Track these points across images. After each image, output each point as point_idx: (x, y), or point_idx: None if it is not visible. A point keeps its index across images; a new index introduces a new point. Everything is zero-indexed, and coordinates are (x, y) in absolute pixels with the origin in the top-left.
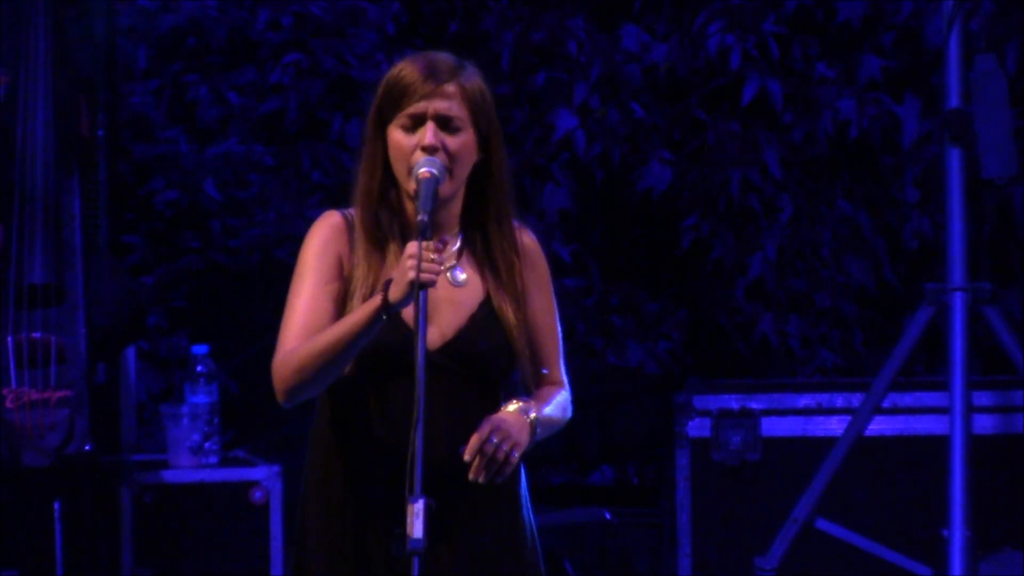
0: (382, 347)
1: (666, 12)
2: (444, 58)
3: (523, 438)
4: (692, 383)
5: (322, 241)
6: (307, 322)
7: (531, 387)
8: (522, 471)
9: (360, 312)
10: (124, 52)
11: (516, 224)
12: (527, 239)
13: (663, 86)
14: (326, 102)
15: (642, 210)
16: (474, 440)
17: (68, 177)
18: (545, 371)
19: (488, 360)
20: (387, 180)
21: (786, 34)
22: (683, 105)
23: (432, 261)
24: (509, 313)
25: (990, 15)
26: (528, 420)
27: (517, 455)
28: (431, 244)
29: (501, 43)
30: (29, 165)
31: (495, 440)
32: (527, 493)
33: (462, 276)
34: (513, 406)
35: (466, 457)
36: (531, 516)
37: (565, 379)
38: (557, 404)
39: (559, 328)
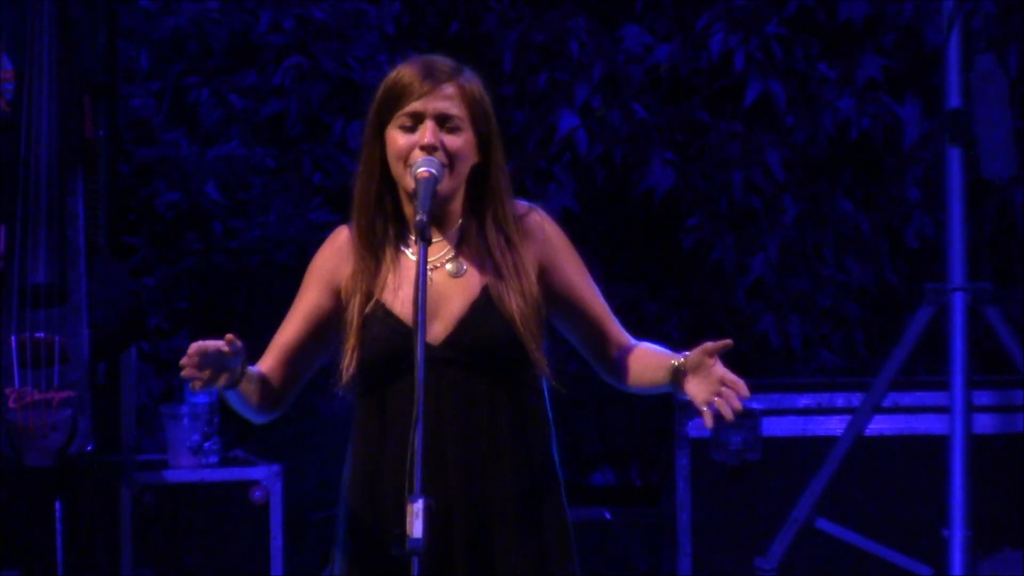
0: (385, 350)
1: (668, 13)
2: (442, 60)
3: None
4: None
5: (320, 260)
6: (275, 342)
7: (598, 358)
8: (554, 461)
9: None
10: (125, 54)
11: (525, 205)
12: (536, 217)
13: (665, 87)
14: (327, 105)
15: (644, 211)
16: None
17: (72, 178)
18: (611, 336)
19: (493, 347)
20: (384, 185)
21: (787, 35)
22: (685, 106)
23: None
24: (511, 303)
25: (991, 15)
26: None
27: None
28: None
29: (503, 44)
30: (33, 165)
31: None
32: (561, 486)
33: (463, 267)
34: (677, 361)
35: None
36: (564, 510)
37: (625, 331)
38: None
39: (596, 285)
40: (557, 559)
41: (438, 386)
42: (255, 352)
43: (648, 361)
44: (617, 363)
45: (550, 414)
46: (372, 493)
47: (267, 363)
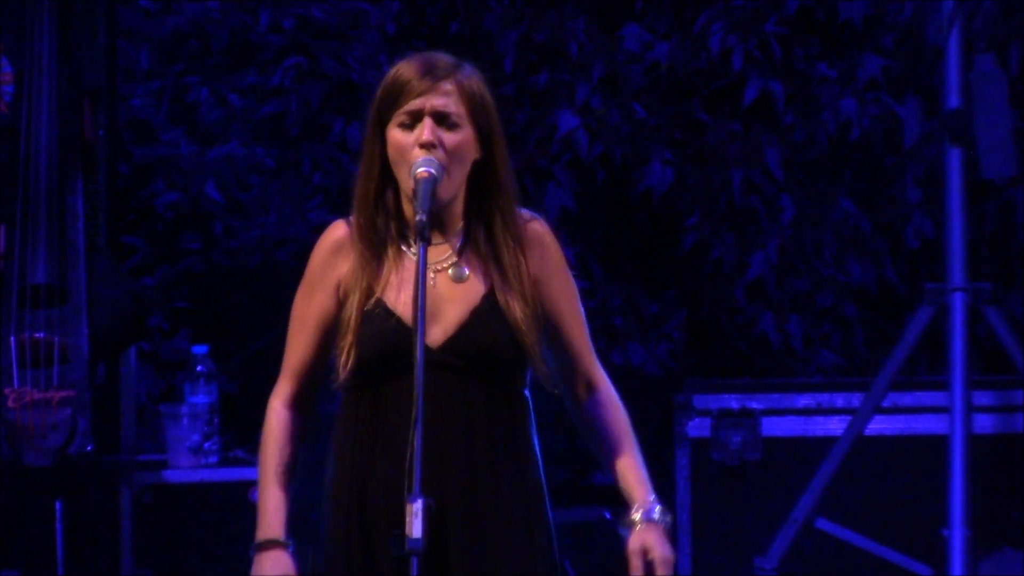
0: (384, 348)
1: (667, 12)
2: (442, 57)
3: (669, 550)
4: (692, 383)
5: (318, 264)
6: (296, 365)
7: (560, 379)
8: (540, 467)
9: (262, 517)
10: (125, 54)
11: (528, 214)
12: (538, 227)
13: (664, 86)
14: (327, 105)
15: (643, 210)
16: None
17: (71, 178)
18: (577, 360)
19: (492, 354)
20: (384, 182)
21: (787, 34)
22: (684, 105)
23: None
24: (515, 309)
25: (991, 15)
26: (664, 525)
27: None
28: None
29: (503, 44)
30: (33, 166)
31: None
32: (546, 491)
33: (465, 273)
34: (637, 515)
35: None
36: (550, 514)
37: (599, 366)
38: (635, 444)
39: (582, 310)
40: (546, 560)
41: (435, 388)
42: (257, 354)
43: (619, 463)
44: (583, 407)
45: (532, 419)
46: (362, 493)
47: (290, 388)
